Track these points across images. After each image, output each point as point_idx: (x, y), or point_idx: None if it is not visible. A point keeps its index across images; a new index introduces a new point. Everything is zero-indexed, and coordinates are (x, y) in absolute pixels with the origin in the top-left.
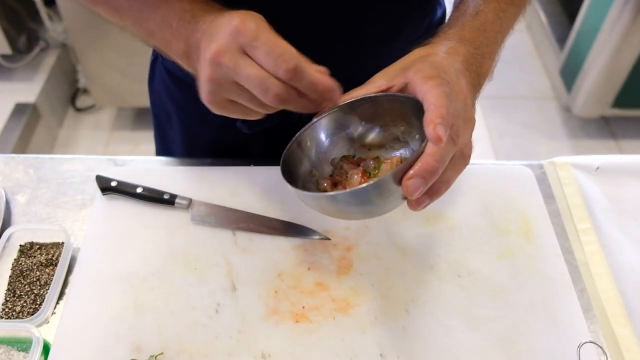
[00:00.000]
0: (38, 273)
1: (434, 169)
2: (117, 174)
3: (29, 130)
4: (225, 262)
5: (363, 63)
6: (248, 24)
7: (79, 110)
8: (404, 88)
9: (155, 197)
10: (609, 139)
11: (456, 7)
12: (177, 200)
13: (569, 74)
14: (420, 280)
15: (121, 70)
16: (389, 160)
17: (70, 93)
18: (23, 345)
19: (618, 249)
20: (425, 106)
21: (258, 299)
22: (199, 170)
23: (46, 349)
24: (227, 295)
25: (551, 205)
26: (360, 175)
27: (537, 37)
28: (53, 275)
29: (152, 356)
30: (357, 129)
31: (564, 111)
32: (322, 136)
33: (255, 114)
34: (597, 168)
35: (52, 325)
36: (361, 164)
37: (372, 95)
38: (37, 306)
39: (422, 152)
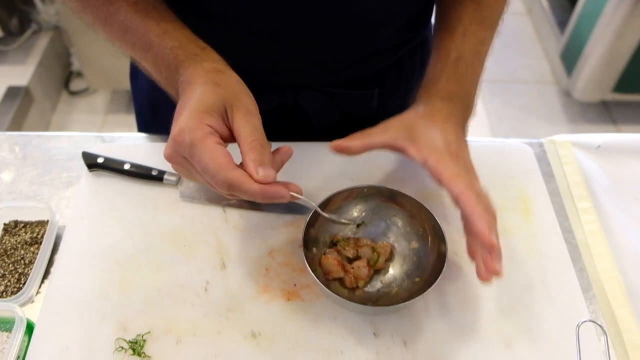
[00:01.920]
0: (22, 252)
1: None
2: (104, 151)
3: (21, 113)
4: (214, 239)
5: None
6: (184, 138)
7: (72, 93)
8: (419, 162)
9: (143, 174)
10: (609, 124)
11: (436, 49)
12: (165, 177)
13: (570, 57)
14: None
15: (115, 53)
16: (382, 249)
17: (64, 76)
18: (7, 325)
19: (619, 228)
20: (465, 211)
21: (248, 277)
22: None
23: (30, 329)
24: (216, 273)
25: (551, 183)
26: (367, 267)
27: (538, 21)
28: (37, 254)
29: (138, 335)
30: (362, 214)
31: (564, 95)
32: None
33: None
34: (598, 147)
35: (36, 304)
36: (359, 251)
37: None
38: (21, 285)
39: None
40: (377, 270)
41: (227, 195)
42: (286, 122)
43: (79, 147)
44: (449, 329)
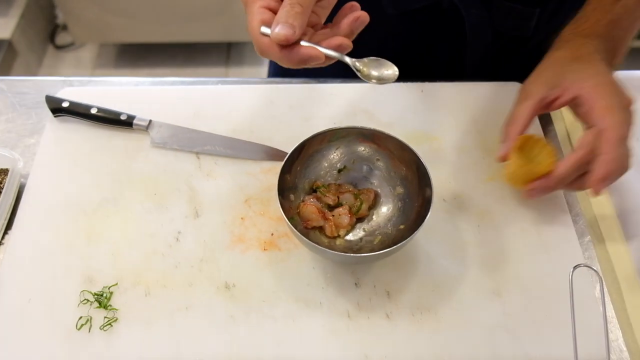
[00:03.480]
0: None
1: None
2: (71, 95)
3: (4, 68)
4: (187, 187)
5: None
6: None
7: (59, 47)
8: (570, 100)
9: (111, 119)
10: None
11: None
12: (135, 122)
13: None
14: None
15: (101, 4)
16: (365, 195)
17: (49, 29)
18: None
19: None
20: (601, 149)
21: (223, 226)
22: (160, 90)
23: None
24: (189, 223)
25: (548, 126)
26: (348, 215)
27: None
28: None
29: (105, 287)
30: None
31: None
32: (305, 157)
33: None
34: None
35: None
36: (341, 198)
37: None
38: None
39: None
40: (360, 218)
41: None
42: (436, 29)
43: (45, 92)
44: (435, 279)
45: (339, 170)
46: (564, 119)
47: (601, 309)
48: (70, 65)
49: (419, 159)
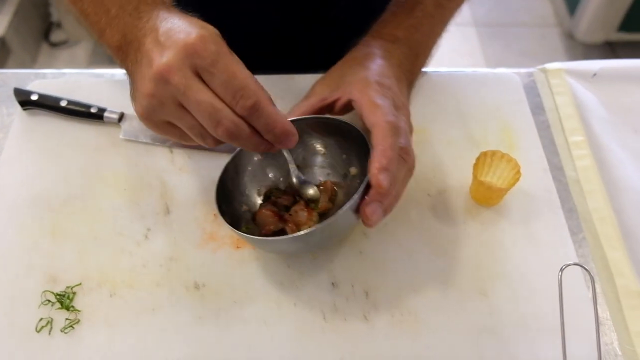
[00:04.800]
0: None
1: (388, 192)
2: (41, 88)
3: None
4: (159, 182)
5: None
6: (208, 45)
7: (53, 45)
8: (347, 103)
9: (81, 112)
10: None
11: None
12: (106, 114)
13: None
14: None
15: None
16: (322, 187)
17: (43, 27)
18: None
19: (614, 163)
20: (373, 142)
21: (194, 223)
22: None
23: None
24: (159, 220)
25: (540, 116)
26: (306, 212)
27: None
28: None
29: (68, 287)
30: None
31: (567, 38)
32: (252, 165)
33: (192, 141)
34: (595, 75)
35: None
36: (297, 196)
37: (308, 117)
38: None
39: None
40: (324, 214)
41: (226, 127)
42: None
43: (15, 85)
44: (417, 278)
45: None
46: (557, 108)
47: (593, 310)
48: (64, 62)
49: (358, 131)
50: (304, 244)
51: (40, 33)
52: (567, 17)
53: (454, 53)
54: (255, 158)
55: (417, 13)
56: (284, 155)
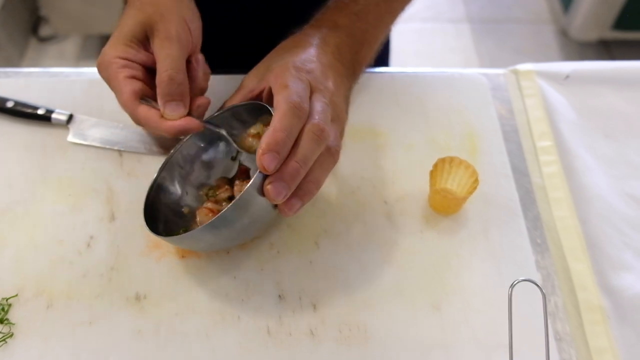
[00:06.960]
0: None
1: (294, 169)
2: None
3: None
4: (106, 187)
5: None
6: (101, 74)
7: (42, 39)
8: (268, 92)
9: (28, 113)
10: None
11: None
12: (54, 116)
13: None
14: (337, 207)
15: None
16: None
17: (31, 21)
18: None
19: (582, 170)
20: (270, 124)
21: (139, 230)
22: (87, 83)
23: None
24: (103, 227)
25: (508, 120)
26: (228, 191)
27: None
28: None
29: (3, 299)
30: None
31: (561, 35)
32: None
33: None
34: (567, 77)
35: None
36: (236, 185)
37: (231, 106)
38: None
39: None
40: None
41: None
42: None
43: None
44: (367, 291)
45: (233, 158)
46: (526, 111)
47: (548, 325)
48: (53, 57)
49: (265, 106)
50: (218, 231)
51: (28, 27)
52: (561, 14)
53: (446, 49)
54: (184, 159)
55: (362, 1)
56: (210, 153)
